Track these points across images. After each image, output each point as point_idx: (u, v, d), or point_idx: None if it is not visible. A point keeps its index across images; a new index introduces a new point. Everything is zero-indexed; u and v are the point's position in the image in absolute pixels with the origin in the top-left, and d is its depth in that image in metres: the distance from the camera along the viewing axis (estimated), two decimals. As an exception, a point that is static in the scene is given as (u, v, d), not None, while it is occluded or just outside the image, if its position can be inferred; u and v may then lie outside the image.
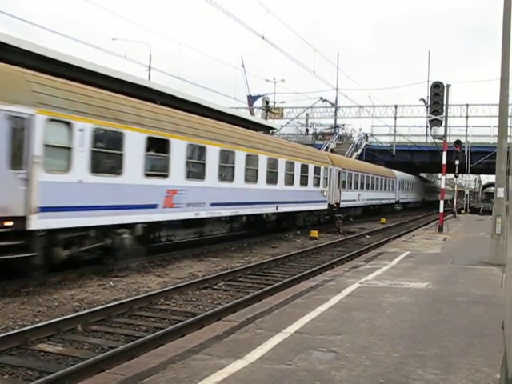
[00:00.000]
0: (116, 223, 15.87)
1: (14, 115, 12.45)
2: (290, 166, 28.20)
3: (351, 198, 40.84)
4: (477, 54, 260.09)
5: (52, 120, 13.38)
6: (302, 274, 16.52)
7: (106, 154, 15.51)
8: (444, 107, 28.58)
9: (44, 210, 13.13)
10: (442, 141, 31.77)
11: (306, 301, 10.57)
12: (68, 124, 13.91)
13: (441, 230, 29.87)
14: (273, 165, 26.16)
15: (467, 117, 65.74)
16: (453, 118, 60.90)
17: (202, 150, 20.13)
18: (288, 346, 7.47)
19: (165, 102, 24.31)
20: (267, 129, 37.83)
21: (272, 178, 26.11)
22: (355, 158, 58.30)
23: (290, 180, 28.21)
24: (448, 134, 32.99)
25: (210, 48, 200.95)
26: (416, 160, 67.12)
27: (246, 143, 23.74)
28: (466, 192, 71.11)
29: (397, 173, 60.33)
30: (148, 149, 16.97)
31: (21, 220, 12.57)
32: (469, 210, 62.73)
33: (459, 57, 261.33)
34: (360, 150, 64.14)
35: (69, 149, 14.00)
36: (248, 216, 24.82)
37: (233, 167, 22.47)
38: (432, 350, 7.57)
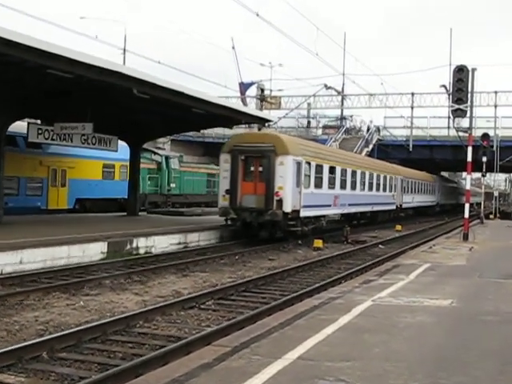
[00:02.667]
0: (319, 214, 32.84)
1: (297, 161, 29.24)
2: (378, 177, 45.21)
3: (409, 200, 56.79)
4: (508, 32, 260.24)
5: (306, 162, 30.43)
6: (304, 290, 16.54)
7: (317, 178, 32.31)
8: (469, 95, 28.58)
9: (304, 207, 29.76)
10: (466, 134, 31.80)
11: (310, 322, 10.58)
12: (309, 163, 30.98)
13: (466, 238, 29.82)
14: (371, 177, 43.19)
15: (496, 106, 65.64)
16: (479, 107, 60.84)
17: (344, 171, 37.13)
18: (289, 375, 7.47)
19: (143, 91, 24.35)
20: (262, 121, 37.78)
21: (370, 187, 43.23)
22: (365, 155, 58.48)
23: (377, 187, 45.15)
24: (474, 126, 33.02)
25: (196, 28, 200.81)
26: (436, 157, 67.06)
27: (361, 164, 41.97)
28: (496, 194, 71.10)
29: (437, 177, 76.68)
30: (329, 172, 34.05)
31: (297, 211, 29.24)
32: (498, 215, 62.76)
33: (486, 35, 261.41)
34: (371, 146, 64.14)
35: (309, 176, 30.97)
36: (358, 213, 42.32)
37: (355, 180, 39.26)
38: (457, 378, 7.57)
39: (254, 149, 28.95)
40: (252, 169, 29.16)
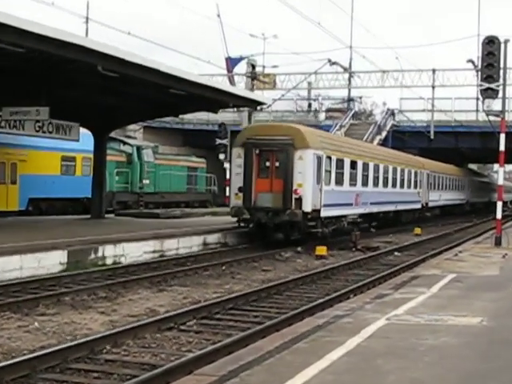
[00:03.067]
0: (340, 214, 34.88)
1: (317, 155, 31.29)
2: (402, 172, 47.67)
3: (436, 198, 59.41)
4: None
5: (327, 157, 32.62)
6: (305, 307, 16.56)
7: (338, 173, 34.49)
8: (501, 71, 28.63)
9: (324, 206, 31.75)
10: (498, 119, 31.84)
11: (312, 345, 10.59)
12: (330, 158, 33.15)
13: (498, 242, 29.85)
14: (394, 172, 45.61)
15: (534, 84, 65.82)
16: (513, 86, 60.95)
17: (366, 165, 39.45)
18: (287, 409, 7.47)
19: (110, 68, 24.27)
20: (254, 104, 37.79)
21: (394, 183, 45.63)
22: (378, 144, 58.59)
23: (402, 183, 47.65)
24: (507, 108, 33.04)
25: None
26: (462, 146, 67.12)
27: (383, 157, 44.06)
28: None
29: (466, 171, 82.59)
30: (350, 167, 36.35)
31: (317, 211, 31.18)
32: (537, 215, 62.95)
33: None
34: (384, 133, 64.22)
35: (329, 171, 33.07)
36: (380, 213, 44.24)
37: (377, 176, 41.75)
38: (489, 411, 7.58)
39: (269, 142, 30.94)
40: (268, 164, 31.13)
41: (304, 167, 30.32)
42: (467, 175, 79.55)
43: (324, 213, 31.99)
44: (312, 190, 30.60)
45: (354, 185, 37.33)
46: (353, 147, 38.95)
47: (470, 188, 77.90)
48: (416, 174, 51.91)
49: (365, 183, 39.26)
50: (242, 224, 31.70)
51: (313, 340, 10.93)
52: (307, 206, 30.33)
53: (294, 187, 30.06)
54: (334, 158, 33.74)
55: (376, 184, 41.57)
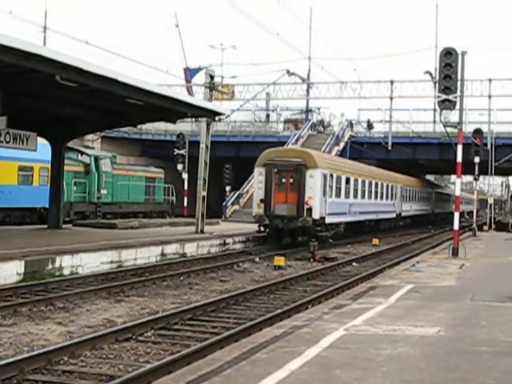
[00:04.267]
0: (338, 221, 42.87)
1: (324, 174, 39.89)
2: (381, 186, 55.76)
3: (407, 208, 67.26)
4: (502, 10, 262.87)
5: (330, 174, 41.13)
6: (263, 317, 16.53)
7: (336, 188, 42.57)
8: (458, 83, 28.82)
9: (328, 214, 40.18)
10: (455, 130, 32.01)
11: (270, 355, 10.58)
12: (332, 175, 41.61)
13: (456, 253, 30.01)
14: (376, 186, 53.73)
15: (490, 96, 66.39)
16: (471, 97, 61.44)
17: (356, 181, 47.72)
18: (246, 420, 7.46)
19: (68, 78, 24.10)
20: (212, 114, 37.69)
21: (376, 196, 53.81)
22: (336, 155, 58.88)
23: (381, 196, 55.92)
24: (464, 120, 33.24)
25: (131, 1, 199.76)
26: (420, 157, 67.54)
27: (368, 174, 52.16)
28: (490, 201, 71.70)
29: (432, 184, 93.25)
30: (345, 182, 44.66)
31: (323, 218, 39.40)
32: (494, 226, 63.37)
33: (478, 14, 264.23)
34: (342, 144, 64.47)
35: (332, 186, 41.57)
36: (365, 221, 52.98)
37: (364, 190, 49.91)
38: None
39: (286, 163, 38.98)
40: (284, 180, 38.88)
41: (314, 183, 38.32)
42: (432, 187, 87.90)
43: (328, 220, 40.06)
44: (319, 201, 38.50)
45: (348, 197, 45.61)
46: (347, 166, 47.88)
47: (434, 199, 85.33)
48: (392, 187, 59.90)
49: (355, 196, 47.46)
50: (262, 229, 39.09)
51: (271, 350, 10.93)
52: (316, 214, 37.97)
53: (306, 199, 37.78)
54: (334, 175, 42.13)
55: (363, 196, 49.87)
